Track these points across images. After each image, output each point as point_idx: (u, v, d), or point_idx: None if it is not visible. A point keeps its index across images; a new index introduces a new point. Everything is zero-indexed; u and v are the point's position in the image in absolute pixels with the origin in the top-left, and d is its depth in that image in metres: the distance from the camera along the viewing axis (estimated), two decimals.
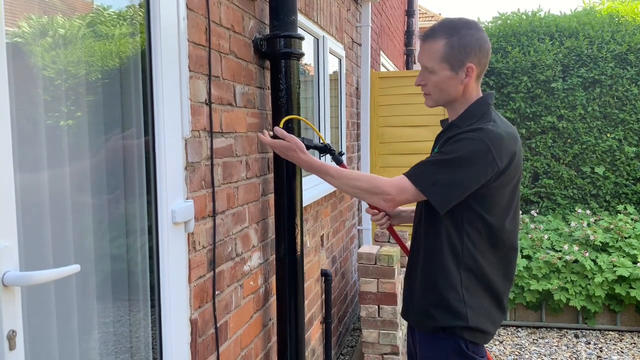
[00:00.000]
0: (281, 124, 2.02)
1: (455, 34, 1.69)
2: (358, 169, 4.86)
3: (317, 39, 3.43)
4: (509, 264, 1.78)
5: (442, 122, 1.92)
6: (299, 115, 2.20)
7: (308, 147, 1.97)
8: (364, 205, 4.74)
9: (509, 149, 1.66)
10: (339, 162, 2.01)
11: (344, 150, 4.18)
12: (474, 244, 1.70)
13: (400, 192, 1.67)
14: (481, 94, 1.78)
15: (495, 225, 1.70)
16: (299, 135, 2.21)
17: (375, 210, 2.02)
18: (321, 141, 2.06)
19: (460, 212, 1.68)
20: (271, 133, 2.05)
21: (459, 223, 1.69)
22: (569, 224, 4.85)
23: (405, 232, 4.12)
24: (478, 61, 1.71)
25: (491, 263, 1.73)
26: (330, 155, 2.03)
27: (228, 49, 1.94)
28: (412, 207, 1.96)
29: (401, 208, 2.06)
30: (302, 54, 2.19)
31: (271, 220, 2.35)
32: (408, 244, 3.96)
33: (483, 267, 1.72)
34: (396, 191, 1.67)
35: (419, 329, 1.81)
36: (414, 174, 1.68)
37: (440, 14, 17.53)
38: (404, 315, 1.90)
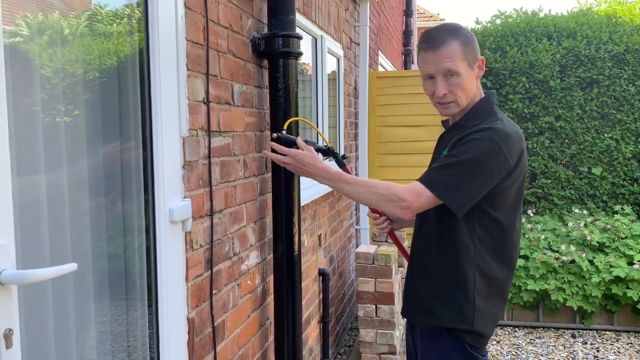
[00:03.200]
0: (285, 126, 2.01)
1: (459, 34, 1.70)
2: (356, 168, 4.86)
3: (316, 39, 3.43)
4: (515, 265, 1.79)
5: (443, 123, 1.91)
6: (297, 114, 2.20)
7: None
8: (362, 205, 4.74)
9: (517, 147, 1.66)
10: (342, 166, 1.99)
11: (342, 150, 4.18)
12: (485, 246, 1.69)
13: (416, 199, 1.64)
14: (483, 93, 1.78)
15: (506, 223, 1.71)
16: (297, 136, 2.20)
17: (377, 214, 2.01)
18: (324, 144, 2.04)
19: (471, 215, 1.67)
20: (274, 135, 2.02)
21: (471, 225, 1.68)
22: (566, 224, 4.86)
23: (404, 232, 4.12)
24: (480, 55, 1.74)
25: (501, 265, 1.73)
26: (334, 158, 2.01)
27: (226, 48, 1.94)
28: None
29: None
30: (301, 53, 2.19)
31: (269, 220, 2.35)
32: (406, 243, 3.96)
33: (494, 270, 1.71)
34: (413, 197, 1.63)
35: (422, 328, 1.81)
36: (427, 179, 1.66)
37: (438, 14, 17.54)
38: (405, 313, 1.89)
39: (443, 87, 1.68)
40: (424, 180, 1.66)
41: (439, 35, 1.69)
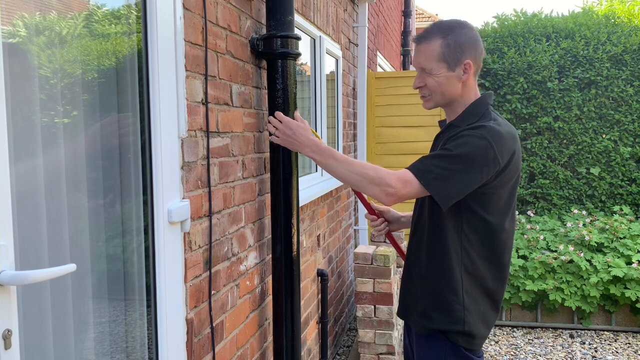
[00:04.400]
0: None
1: (449, 33, 1.71)
2: None
3: (314, 39, 3.43)
4: (505, 265, 1.79)
5: (440, 122, 1.92)
6: None
7: None
8: (361, 206, 4.74)
9: (509, 147, 1.67)
10: None
11: (341, 150, 4.19)
12: (473, 246, 1.70)
13: (403, 186, 1.64)
14: (479, 94, 1.78)
15: (495, 224, 1.71)
16: None
17: (374, 216, 2.01)
18: None
19: (459, 214, 1.68)
20: (270, 138, 2.04)
21: (459, 225, 1.69)
22: (565, 225, 4.87)
23: (402, 232, 4.12)
24: (474, 59, 1.72)
25: (489, 265, 1.73)
26: None
27: (225, 49, 1.94)
28: (411, 212, 1.96)
29: (401, 213, 2.06)
30: (299, 54, 2.20)
31: (267, 220, 2.35)
32: (404, 244, 3.96)
33: (481, 269, 1.72)
34: (400, 184, 1.63)
35: (417, 329, 1.81)
36: (416, 167, 1.66)
37: (437, 15, 17.55)
38: (401, 314, 1.90)
39: (419, 80, 1.77)
40: (413, 168, 1.67)
41: (427, 31, 1.75)
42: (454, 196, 1.64)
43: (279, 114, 1.98)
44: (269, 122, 2.00)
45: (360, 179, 1.70)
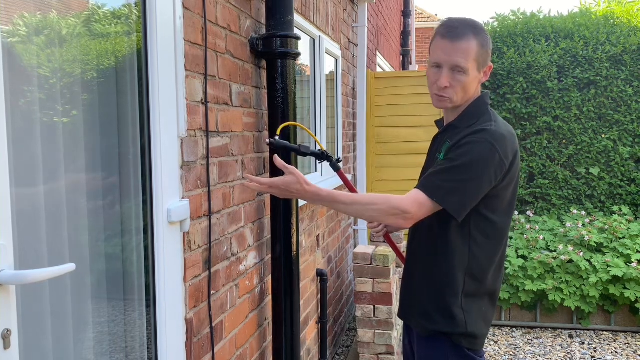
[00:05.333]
0: (278, 131, 2.00)
1: (480, 33, 1.68)
2: (354, 169, 4.86)
3: (314, 39, 3.43)
4: (504, 261, 1.80)
5: (437, 123, 1.91)
6: (296, 115, 2.20)
7: (306, 154, 1.95)
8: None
9: (511, 147, 1.66)
10: (337, 169, 1.99)
11: (340, 150, 4.19)
12: (480, 247, 1.69)
13: (418, 208, 1.61)
14: (480, 94, 1.78)
15: (501, 224, 1.71)
16: (295, 142, 2.19)
17: None
18: (318, 148, 2.02)
19: (467, 218, 1.66)
20: (267, 141, 2.01)
21: (466, 229, 1.68)
22: (564, 225, 4.87)
23: (401, 232, 4.12)
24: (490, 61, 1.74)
25: (492, 264, 1.74)
26: (328, 162, 2.00)
27: (224, 49, 1.94)
28: None
29: None
30: (299, 54, 2.20)
31: (267, 220, 2.35)
32: (403, 244, 3.96)
33: (486, 270, 1.72)
34: (415, 208, 1.61)
35: (418, 331, 1.81)
36: (426, 186, 1.64)
37: (436, 15, 17.55)
38: (401, 315, 1.89)
39: (446, 80, 1.67)
40: (423, 188, 1.64)
41: (461, 28, 1.66)
42: (469, 206, 1.63)
43: (255, 179, 1.65)
44: (249, 184, 1.66)
45: (374, 215, 1.69)
